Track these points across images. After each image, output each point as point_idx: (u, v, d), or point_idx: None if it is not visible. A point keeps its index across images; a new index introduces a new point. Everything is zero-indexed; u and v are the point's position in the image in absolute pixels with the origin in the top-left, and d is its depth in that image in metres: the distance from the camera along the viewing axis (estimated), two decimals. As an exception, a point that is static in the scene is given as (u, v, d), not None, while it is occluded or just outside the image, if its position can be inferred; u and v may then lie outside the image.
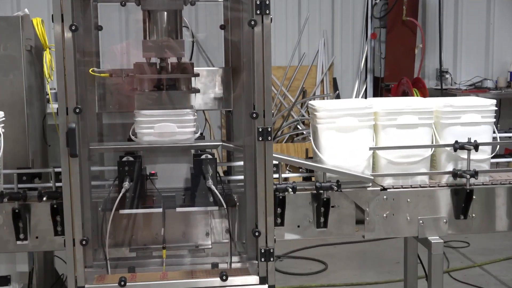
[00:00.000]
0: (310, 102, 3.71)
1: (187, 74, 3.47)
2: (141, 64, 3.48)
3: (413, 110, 3.54)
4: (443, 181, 3.61)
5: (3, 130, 3.44)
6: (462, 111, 3.59)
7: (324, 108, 3.50)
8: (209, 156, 3.34)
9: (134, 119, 3.43)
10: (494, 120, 3.65)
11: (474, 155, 3.56)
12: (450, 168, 3.60)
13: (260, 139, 3.03)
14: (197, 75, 3.56)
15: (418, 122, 3.55)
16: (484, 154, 3.62)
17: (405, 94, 8.32)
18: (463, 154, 3.57)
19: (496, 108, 3.67)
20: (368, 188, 3.52)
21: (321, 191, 3.41)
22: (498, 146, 3.71)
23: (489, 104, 3.64)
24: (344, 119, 3.48)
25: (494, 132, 3.66)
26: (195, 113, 3.47)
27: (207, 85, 3.92)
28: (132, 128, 3.52)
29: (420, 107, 3.57)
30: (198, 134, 3.56)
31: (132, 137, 3.49)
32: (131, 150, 3.48)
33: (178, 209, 3.29)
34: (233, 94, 3.89)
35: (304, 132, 8.74)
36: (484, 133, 3.61)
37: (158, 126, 3.36)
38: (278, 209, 3.38)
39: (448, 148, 3.58)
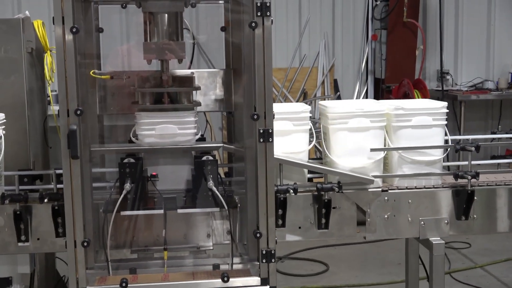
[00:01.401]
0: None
1: (188, 88, 3.47)
2: (143, 76, 3.48)
3: (365, 113, 3.53)
4: (395, 184, 3.61)
5: (4, 132, 3.45)
6: (413, 113, 3.58)
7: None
8: (210, 158, 3.35)
9: (135, 121, 3.43)
10: (446, 122, 3.64)
11: (424, 157, 3.58)
12: (401, 170, 3.60)
13: (261, 141, 3.03)
14: (198, 88, 3.57)
15: (370, 125, 3.54)
16: (433, 156, 3.60)
17: (406, 95, 8.32)
18: (415, 156, 3.58)
19: (447, 111, 3.65)
20: (369, 189, 3.52)
21: (322, 192, 3.42)
22: (448, 148, 3.70)
23: (440, 106, 3.63)
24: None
25: (446, 135, 3.66)
26: (196, 115, 3.47)
27: (208, 87, 3.92)
28: (133, 130, 3.52)
29: (371, 110, 3.56)
30: (199, 136, 3.56)
31: (133, 139, 3.49)
32: (132, 152, 3.48)
33: (179, 211, 3.30)
34: (234, 95, 3.89)
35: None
36: (436, 136, 3.60)
37: (159, 128, 3.36)
38: (279, 210, 3.38)
39: (400, 151, 3.58)
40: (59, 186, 3.30)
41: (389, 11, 9.26)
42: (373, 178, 3.51)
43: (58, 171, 3.33)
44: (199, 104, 3.56)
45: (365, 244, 6.72)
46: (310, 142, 3.61)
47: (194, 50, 8.79)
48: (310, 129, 3.63)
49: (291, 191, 3.38)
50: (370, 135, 3.54)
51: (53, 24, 2.92)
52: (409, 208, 3.55)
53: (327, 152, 3.58)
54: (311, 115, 3.61)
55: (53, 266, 4.67)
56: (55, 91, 3.60)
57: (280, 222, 3.40)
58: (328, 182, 3.48)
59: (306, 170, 3.61)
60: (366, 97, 9.53)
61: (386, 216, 3.53)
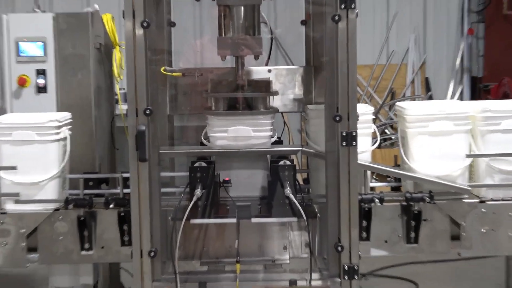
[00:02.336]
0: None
1: (265, 93, 3.47)
2: (216, 79, 3.51)
3: (447, 115, 3.43)
4: (481, 194, 3.51)
5: (70, 132, 3.53)
6: (503, 116, 3.45)
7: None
8: (288, 163, 3.33)
9: (207, 122, 3.44)
10: None
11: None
12: (491, 179, 3.48)
13: (344, 145, 3.00)
14: (276, 93, 3.57)
15: (453, 129, 3.44)
16: None
17: (506, 95, 8.11)
18: (504, 165, 3.45)
19: None
20: (465, 200, 3.44)
21: (412, 203, 3.36)
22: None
23: None
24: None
25: None
26: (273, 116, 3.46)
27: (286, 86, 3.92)
28: (204, 132, 3.54)
29: (455, 111, 3.45)
30: (275, 138, 3.55)
31: (204, 141, 3.51)
32: (204, 155, 3.50)
33: (254, 220, 3.28)
34: (314, 95, 3.87)
35: (393, 137, 8.63)
36: None
37: (232, 130, 3.36)
38: (364, 221, 3.33)
39: (487, 159, 3.46)
40: (125, 190, 3.35)
41: (488, 2, 9.05)
42: (469, 188, 3.42)
43: (125, 175, 3.38)
44: (276, 110, 3.55)
45: (460, 261, 6.56)
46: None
47: (272, 45, 8.79)
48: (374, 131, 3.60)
49: (377, 200, 3.33)
50: (453, 139, 3.45)
51: (123, 18, 2.97)
52: (510, 222, 3.44)
53: (405, 158, 3.52)
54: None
55: (117, 277, 4.75)
56: (124, 89, 3.66)
57: (364, 234, 3.35)
58: (418, 191, 3.41)
59: (369, 177, 3.57)
60: (461, 98, 9.34)
61: (483, 230, 3.44)
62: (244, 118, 3.39)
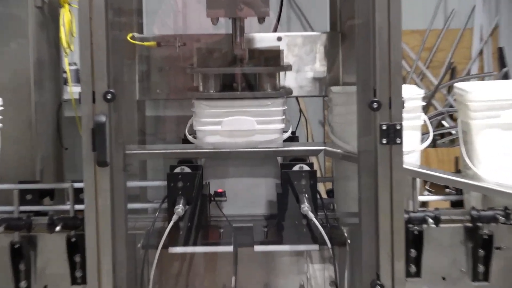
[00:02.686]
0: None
1: (274, 67, 3.49)
2: (206, 47, 3.52)
3: None
4: None
5: (0, 125, 3.52)
6: None
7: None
8: (305, 167, 3.34)
9: (192, 111, 3.45)
10: None
11: None
12: None
13: (384, 142, 3.00)
14: (289, 68, 3.57)
15: None
16: None
17: None
18: None
19: None
20: (554, 220, 3.45)
21: (480, 224, 3.37)
22: None
23: None
24: None
25: None
26: (285, 102, 3.47)
27: (303, 59, 3.93)
28: (189, 124, 3.54)
29: None
30: (288, 134, 3.56)
31: (189, 137, 3.52)
32: (188, 157, 3.52)
33: (257, 248, 3.33)
34: (341, 73, 3.87)
35: (453, 132, 8.65)
36: None
37: (228, 121, 3.37)
38: (412, 250, 3.35)
39: None
40: (78, 207, 3.35)
41: None
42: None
43: (76, 185, 3.38)
44: (289, 92, 3.56)
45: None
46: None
47: (283, 3, 8.82)
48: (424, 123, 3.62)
49: (431, 220, 3.35)
50: None
51: (73, -35, 2.98)
52: None
53: (468, 160, 3.54)
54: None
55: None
56: (75, 64, 3.65)
57: (413, 268, 3.38)
58: (488, 207, 3.42)
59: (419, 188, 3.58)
60: (549, 76, 9.38)
61: None
62: (245, 103, 3.41)
